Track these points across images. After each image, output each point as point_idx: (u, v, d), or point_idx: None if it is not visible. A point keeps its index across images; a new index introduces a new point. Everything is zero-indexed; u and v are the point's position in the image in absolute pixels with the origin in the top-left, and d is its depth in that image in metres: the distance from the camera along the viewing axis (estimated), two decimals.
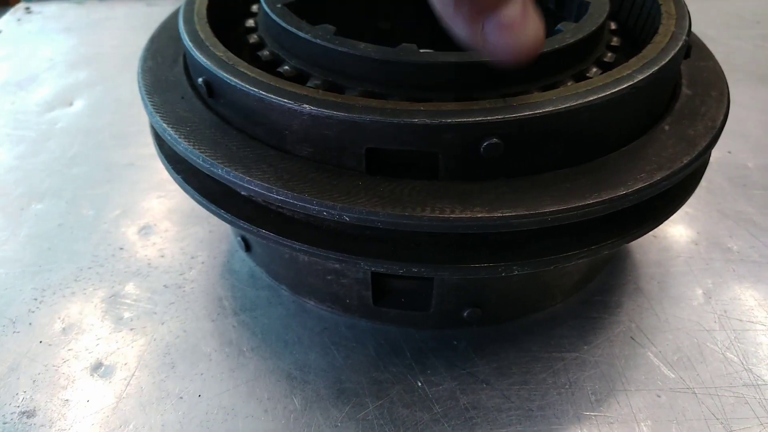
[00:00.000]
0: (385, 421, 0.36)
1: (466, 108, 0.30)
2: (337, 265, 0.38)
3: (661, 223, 0.37)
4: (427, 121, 0.30)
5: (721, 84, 0.40)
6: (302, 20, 0.37)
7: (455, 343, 0.40)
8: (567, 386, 0.37)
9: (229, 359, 0.39)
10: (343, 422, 0.36)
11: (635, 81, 0.32)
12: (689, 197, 0.39)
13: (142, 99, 0.39)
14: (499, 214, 0.30)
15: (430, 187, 0.32)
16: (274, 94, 0.32)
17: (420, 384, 0.37)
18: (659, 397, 0.36)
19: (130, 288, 0.44)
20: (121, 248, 0.47)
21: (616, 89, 0.32)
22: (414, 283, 0.39)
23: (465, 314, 0.39)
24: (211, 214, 0.37)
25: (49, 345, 0.40)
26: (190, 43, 0.37)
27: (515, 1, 0.27)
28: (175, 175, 0.39)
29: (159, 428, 0.35)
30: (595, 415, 0.36)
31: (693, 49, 0.42)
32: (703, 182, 0.49)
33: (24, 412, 0.36)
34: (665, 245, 0.46)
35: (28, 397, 0.37)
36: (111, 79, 0.69)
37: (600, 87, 0.32)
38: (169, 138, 0.36)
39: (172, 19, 0.46)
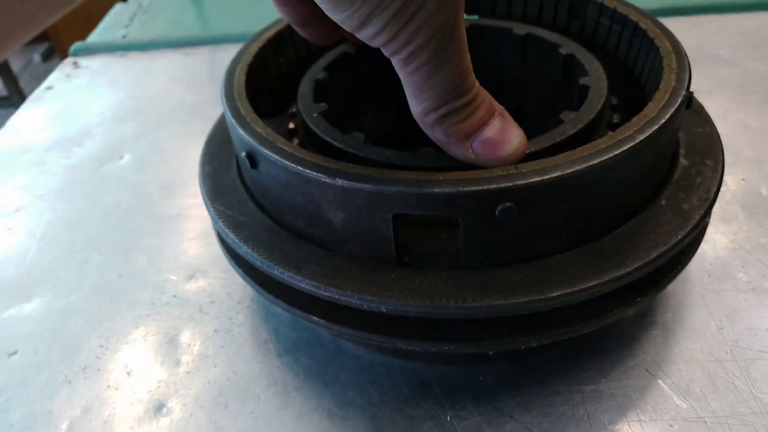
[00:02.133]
0: None
1: (481, 177, 0.34)
2: None
3: (664, 288, 0.40)
4: (446, 190, 0.34)
5: (716, 152, 0.44)
6: (335, 128, 0.43)
7: (482, 379, 0.43)
8: (585, 418, 0.40)
9: (276, 399, 0.43)
10: None
11: (637, 141, 0.36)
12: (689, 261, 0.42)
13: (206, 205, 0.44)
14: (514, 301, 0.35)
15: (454, 278, 0.36)
16: (310, 169, 0.36)
17: (449, 418, 0.41)
18: (671, 426, 0.39)
19: (185, 334, 0.49)
20: (175, 296, 0.52)
21: (619, 150, 0.35)
22: None
23: (490, 352, 0.42)
24: None
25: (116, 389, 0.45)
26: (233, 120, 0.41)
27: (494, 122, 0.34)
28: (237, 268, 0.44)
29: None
30: None
31: (691, 113, 0.46)
32: (717, 211, 0.52)
33: None
34: (680, 277, 0.49)
35: None
36: (154, 132, 0.74)
37: (603, 150, 0.35)
38: (231, 242, 0.41)
39: (223, 120, 0.51)
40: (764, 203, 0.55)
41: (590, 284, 0.35)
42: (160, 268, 0.55)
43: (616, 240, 0.38)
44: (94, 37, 1.00)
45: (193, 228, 0.59)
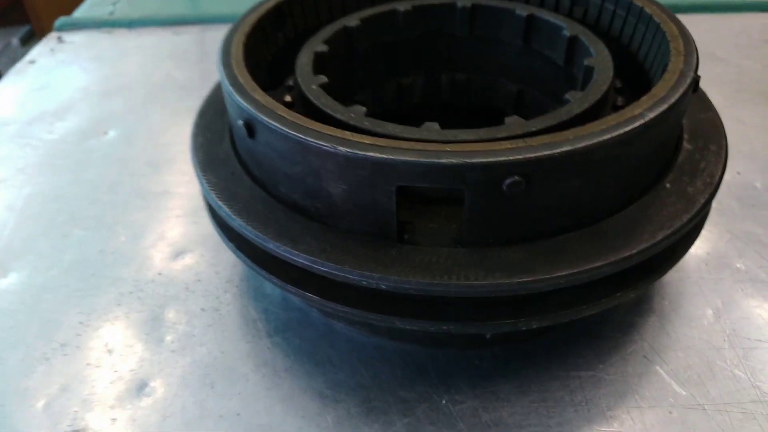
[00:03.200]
0: None
1: (489, 149, 0.33)
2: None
3: (666, 272, 0.39)
4: (453, 161, 0.32)
5: (719, 137, 0.43)
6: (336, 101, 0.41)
7: (477, 362, 0.42)
8: (583, 404, 0.39)
9: (265, 379, 0.42)
10: None
11: (646, 119, 0.35)
12: (691, 246, 0.41)
13: (197, 176, 0.42)
14: (517, 280, 0.34)
15: (456, 255, 0.35)
16: (311, 138, 0.35)
17: (444, 402, 0.40)
18: (671, 413, 0.39)
19: (170, 312, 0.47)
20: (160, 273, 0.50)
21: (630, 127, 0.34)
22: None
23: (488, 335, 0.41)
24: None
25: (97, 367, 0.43)
26: (230, 88, 0.40)
27: None
28: (229, 243, 0.42)
29: None
30: (609, 431, 0.38)
31: (695, 99, 0.45)
32: (713, 203, 0.52)
33: (75, 431, 0.39)
34: (677, 266, 0.48)
35: (79, 416, 0.40)
36: (142, 108, 0.72)
37: (613, 126, 0.34)
38: (224, 214, 0.39)
39: (217, 91, 0.49)
40: (759, 196, 0.55)
41: (594, 265, 0.35)
42: (144, 245, 0.53)
43: (620, 222, 0.37)
44: (80, 13, 0.97)
45: (181, 205, 0.57)
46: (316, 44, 0.49)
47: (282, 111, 0.37)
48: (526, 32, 0.53)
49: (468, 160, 0.32)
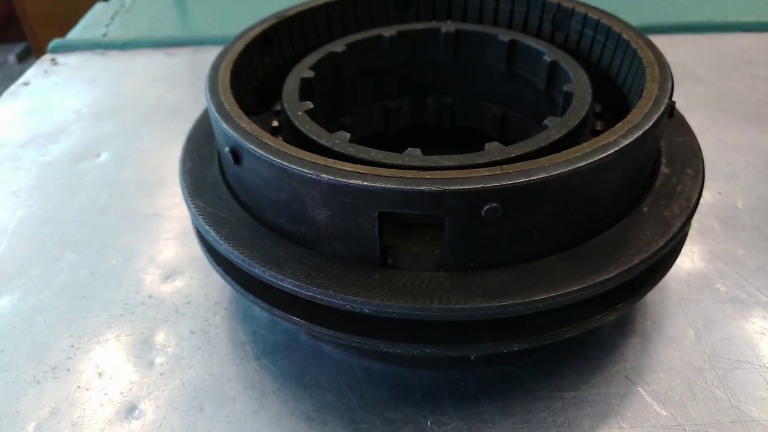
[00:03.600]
0: None
1: (467, 176, 0.34)
2: None
3: (645, 295, 0.40)
4: (432, 188, 0.33)
5: (696, 161, 0.44)
6: (321, 128, 0.42)
7: (462, 384, 0.43)
8: (566, 425, 0.40)
9: (253, 402, 0.42)
10: None
11: (620, 147, 0.36)
12: (670, 269, 0.42)
13: (185, 201, 0.43)
14: (497, 303, 0.35)
15: (438, 279, 0.36)
16: (295, 166, 0.36)
17: (429, 424, 0.40)
18: None
19: (159, 335, 0.47)
20: (150, 296, 0.51)
21: (604, 154, 0.35)
22: None
23: (473, 357, 0.42)
24: None
25: (87, 390, 0.44)
26: (217, 116, 0.41)
27: None
28: (217, 267, 0.43)
29: None
30: None
31: (672, 123, 0.47)
32: (694, 224, 0.53)
33: None
34: (658, 287, 0.49)
35: None
36: (133, 130, 0.73)
37: (588, 153, 0.35)
38: (211, 239, 0.40)
39: (205, 116, 0.51)
40: (740, 216, 0.56)
41: (573, 288, 0.35)
42: (135, 268, 0.53)
43: (598, 246, 0.38)
44: (74, 35, 0.98)
45: (171, 228, 0.58)
46: (303, 70, 0.51)
47: (267, 139, 0.38)
48: (509, 57, 0.55)
49: (446, 188, 0.33)
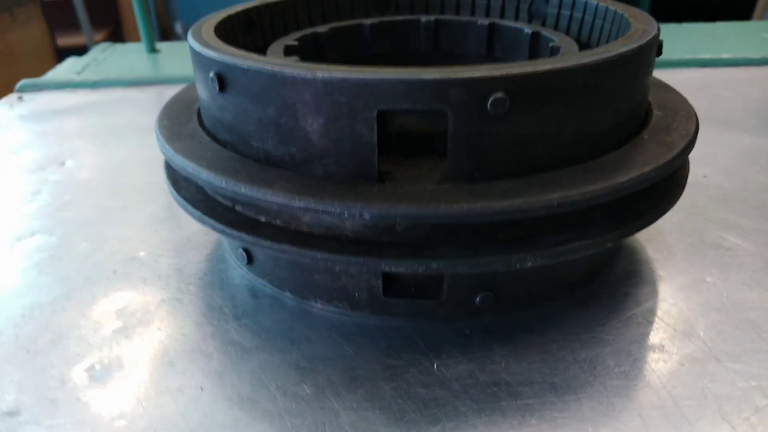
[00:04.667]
0: (403, 400, 0.33)
1: (473, 68, 0.32)
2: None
3: (656, 219, 0.39)
4: (437, 77, 0.32)
5: (687, 106, 0.44)
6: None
7: (468, 332, 0.39)
8: (587, 362, 0.36)
9: (232, 356, 0.37)
10: (359, 403, 0.33)
11: (621, 51, 0.35)
12: (680, 196, 0.41)
13: (161, 147, 0.41)
14: (510, 202, 0.32)
15: (441, 189, 0.34)
16: (287, 68, 0.34)
17: (436, 366, 0.36)
18: (682, 365, 0.35)
19: (124, 302, 0.42)
20: (115, 271, 0.46)
21: (608, 55, 0.35)
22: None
23: (477, 300, 0.38)
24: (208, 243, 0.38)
25: (37, 353, 0.38)
26: (200, 45, 0.39)
27: None
28: (194, 211, 0.39)
29: (158, 420, 0.33)
30: (622, 384, 0.34)
31: (658, 85, 0.47)
32: (685, 201, 0.52)
33: (7, 412, 0.33)
34: (661, 245, 0.47)
35: (11, 398, 0.34)
36: (103, 145, 0.70)
37: (592, 53, 0.35)
38: (190, 170, 0.37)
39: (184, 91, 0.49)
40: (728, 192, 0.56)
41: (589, 188, 0.33)
42: (101, 249, 0.49)
43: (605, 161, 0.36)
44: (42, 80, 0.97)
45: (141, 218, 0.53)
46: (287, 41, 0.50)
47: (254, 56, 0.36)
48: (489, 41, 0.56)
49: (451, 76, 0.32)
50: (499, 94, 0.32)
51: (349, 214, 0.32)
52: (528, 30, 0.52)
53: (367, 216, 0.32)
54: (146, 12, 1.08)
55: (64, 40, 2.51)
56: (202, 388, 0.34)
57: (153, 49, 1.11)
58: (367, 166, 0.34)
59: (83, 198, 0.57)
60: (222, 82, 0.37)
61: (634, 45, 0.36)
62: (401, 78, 0.32)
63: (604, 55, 0.35)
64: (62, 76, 0.97)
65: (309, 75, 0.33)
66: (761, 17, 1.74)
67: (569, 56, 0.34)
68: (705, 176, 0.59)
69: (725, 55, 0.93)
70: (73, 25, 2.65)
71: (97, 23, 2.69)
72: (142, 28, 1.09)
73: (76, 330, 0.40)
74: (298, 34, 0.52)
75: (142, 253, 0.48)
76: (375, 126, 0.33)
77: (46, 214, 0.54)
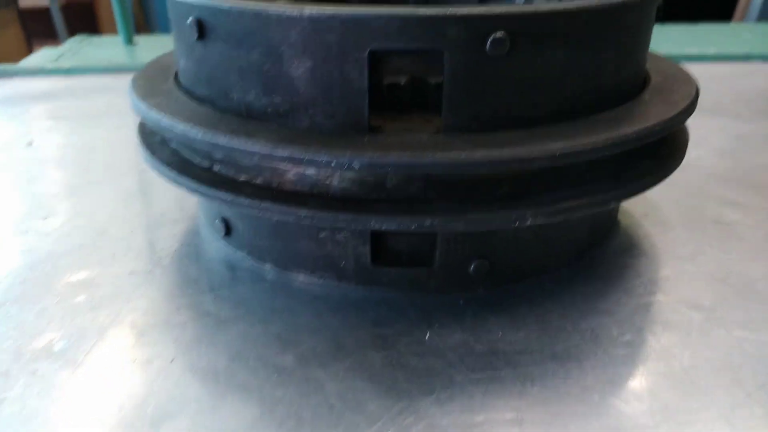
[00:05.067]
0: (394, 369, 0.31)
1: (471, 6, 0.30)
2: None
3: (659, 181, 0.37)
4: (433, 13, 0.29)
5: (684, 73, 0.43)
6: None
7: (462, 303, 0.36)
8: (589, 331, 0.34)
9: (208, 327, 0.34)
10: (346, 373, 0.30)
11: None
12: (681, 161, 0.39)
13: (134, 104, 0.38)
14: (510, 151, 0.30)
15: (436, 139, 0.31)
16: (271, 8, 0.31)
17: (428, 336, 0.33)
18: (690, 335, 0.33)
19: (87, 276, 0.39)
20: (82, 245, 0.42)
21: (611, 2, 0.33)
22: (416, 236, 0.36)
23: (472, 268, 0.36)
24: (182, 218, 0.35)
25: None
26: None
27: None
28: (169, 172, 0.37)
29: (124, 394, 0.29)
30: (627, 353, 0.32)
31: (652, 58, 0.46)
32: (681, 179, 0.50)
33: None
34: (659, 221, 0.45)
35: None
36: (75, 126, 0.66)
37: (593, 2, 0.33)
38: (164, 124, 0.34)
39: (162, 57, 0.47)
40: (723, 172, 0.54)
41: (592, 139, 0.31)
42: (63, 226, 0.45)
43: (607, 117, 0.34)
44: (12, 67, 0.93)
45: (110, 193, 0.50)
46: None
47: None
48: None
49: (449, 12, 0.29)
50: (499, 34, 0.30)
51: (337, 164, 0.30)
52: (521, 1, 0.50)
53: (356, 165, 0.30)
54: (125, 4, 1.05)
55: (41, 47, 2.45)
56: (172, 360, 0.31)
57: (130, 41, 1.08)
58: (357, 117, 0.32)
59: (50, 174, 0.54)
60: (201, 29, 0.35)
61: None
62: (395, 14, 0.29)
63: (608, 1, 0.33)
64: (35, 63, 0.93)
65: (296, 13, 0.30)
66: (741, 19, 1.76)
67: (572, 2, 0.32)
68: (699, 158, 0.57)
69: (711, 51, 0.93)
70: (51, 34, 2.60)
71: (74, 32, 2.64)
72: (120, 19, 1.06)
73: (36, 303, 0.36)
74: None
75: (111, 228, 0.45)
76: (366, 69, 0.31)
77: (11, 189, 0.51)
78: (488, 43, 0.30)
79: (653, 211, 0.47)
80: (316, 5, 0.31)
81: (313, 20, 0.30)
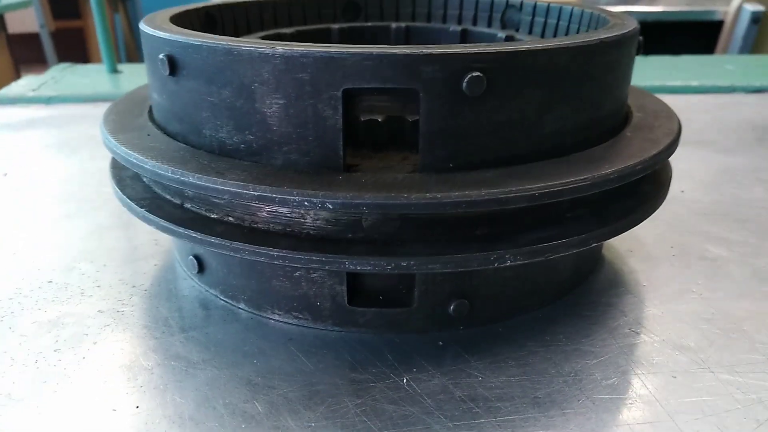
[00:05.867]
0: (368, 418, 0.29)
1: (448, 45, 0.30)
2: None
3: (641, 220, 0.36)
4: (408, 51, 0.29)
5: (667, 109, 0.43)
6: None
7: (441, 344, 0.35)
8: (572, 375, 0.32)
9: (176, 372, 0.32)
10: (317, 421, 0.29)
11: (603, 38, 0.33)
12: (662, 201, 0.39)
13: (105, 140, 0.37)
14: (487, 191, 0.29)
15: (412, 178, 0.31)
16: (243, 45, 0.31)
17: (406, 381, 0.32)
18: (675, 378, 0.32)
19: (53, 314, 0.37)
20: (50, 281, 0.41)
21: (589, 39, 0.33)
22: (394, 276, 0.35)
23: (451, 308, 0.35)
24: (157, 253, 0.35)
25: None
26: (150, 27, 0.36)
27: None
28: (138, 209, 0.36)
29: None
30: (611, 398, 0.31)
31: (637, 92, 0.46)
32: (665, 214, 0.50)
33: None
34: (644, 257, 0.45)
35: None
36: (51, 157, 0.65)
37: (573, 38, 0.33)
38: (134, 161, 0.33)
39: (137, 89, 0.46)
40: (707, 207, 0.54)
41: (572, 178, 0.30)
42: (34, 258, 0.44)
43: (588, 155, 0.34)
44: None
45: (83, 227, 0.49)
46: (250, 38, 0.47)
47: (207, 34, 0.33)
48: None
49: (425, 51, 0.29)
50: (476, 73, 0.29)
51: (310, 204, 0.29)
52: (502, 35, 0.50)
53: (330, 206, 0.29)
54: (110, 33, 1.05)
55: (29, 73, 2.44)
56: (137, 407, 0.30)
57: (114, 70, 1.08)
58: (331, 155, 0.31)
59: (23, 206, 0.52)
60: (173, 65, 0.34)
61: (616, 33, 0.35)
62: (369, 52, 0.29)
63: (586, 39, 0.32)
64: (15, 92, 0.92)
65: (268, 50, 0.30)
66: (724, 52, 1.79)
67: (549, 39, 0.32)
68: (682, 191, 0.57)
69: (694, 83, 0.94)
70: (41, 60, 2.59)
71: (64, 59, 2.64)
72: (104, 47, 1.05)
73: None
74: (262, 34, 0.49)
75: (83, 263, 0.43)
76: (340, 107, 0.30)
77: None
78: (464, 82, 0.29)
79: (638, 246, 0.46)
80: (289, 42, 0.30)
81: (286, 58, 0.30)
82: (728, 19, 1.86)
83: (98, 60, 1.15)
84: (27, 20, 2.48)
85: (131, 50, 2.97)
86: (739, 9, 1.83)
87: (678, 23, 1.94)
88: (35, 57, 2.67)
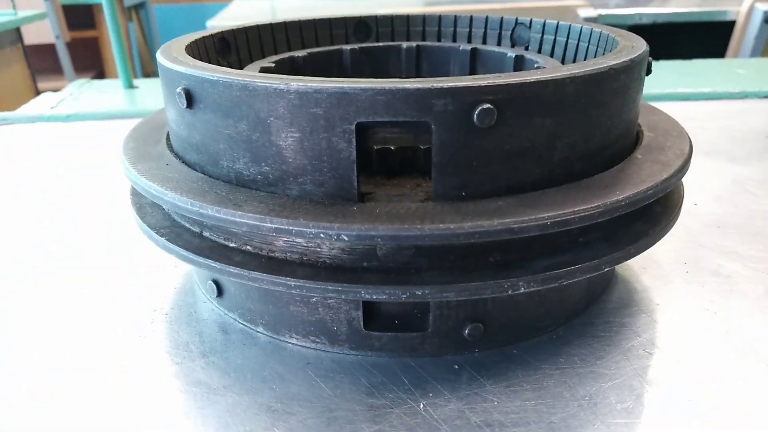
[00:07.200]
0: None
1: (458, 78, 0.30)
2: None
3: (653, 243, 0.36)
4: (419, 86, 0.30)
5: (678, 127, 0.43)
6: None
7: (456, 367, 0.35)
8: (587, 398, 0.33)
9: (197, 398, 0.33)
10: None
11: (612, 64, 0.34)
12: (675, 222, 0.39)
13: (125, 170, 0.38)
14: (500, 221, 0.30)
15: (425, 207, 0.31)
16: (258, 79, 0.31)
17: (422, 406, 0.32)
18: (691, 401, 0.33)
19: (73, 338, 0.38)
20: (71, 302, 0.42)
21: (598, 67, 0.33)
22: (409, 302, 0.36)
23: (466, 332, 0.35)
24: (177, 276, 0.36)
25: None
26: (167, 60, 0.37)
27: None
28: (159, 238, 0.37)
29: None
30: (627, 423, 0.31)
31: (647, 109, 0.46)
32: (678, 229, 0.50)
33: None
34: (657, 274, 0.45)
35: None
36: (69, 176, 0.67)
37: (582, 65, 0.33)
38: (154, 192, 0.34)
39: (155, 114, 0.47)
40: (720, 219, 0.54)
41: (584, 206, 0.31)
42: (53, 278, 0.45)
43: (598, 180, 0.34)
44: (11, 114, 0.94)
45: (102, 249, 0.50)
46: (264, 63, 0.48)
47: (223, 68, 0.34)
48: (472, 65, 0.54)
49: (435, 86, 0.30)
50: (486, 105, 0.30)
51: (325, 235, 0.30)
52: (511, 54, 0.50)
53: (345, 237, 0.29)
54: (124, 47, 1.07)
55: (46, 84, 2.48)
56: None
57: (131, 85, 1.10)
58: (345, 185, 0.32)
59: (39, 224, 0.54)
60: (190, 98, 0.35)
61: (625, 58, 0.35)
62: (381, 87, 0.30)
63: (595, 67, 0.33)
64: (34, 110, 0.94)
65: (282, 86, 0.31)
66: (735, 56, 1.78)
67: (558, 68, 0.32)
68: (695, 204, 0.57)
69: (705, 89, 0.94)
70: (57, 70, 2.63)
71: (80, 69, 2.68)
72: (120, 63, 1.07)
73: (11, 370, 0.36)
74: (275, 58, 0.50)
75: (100, 286, 0.44)
76: (354, 140, 0.31)
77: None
78: (475, 114, 0.30)
79: (651, 262, 0.46)
80: (303, 78, 0.31)
81: (300, 94, 0.30)
82: (740, 19, 1.84)
83: (114, 69, 1.17)
84: (42, 31, 2.52)
85: (146, 60, 3.00)
86: (751, 9, 1.82)
87: (689, 24, 1.92)
88: (51, 67, 2.70)
